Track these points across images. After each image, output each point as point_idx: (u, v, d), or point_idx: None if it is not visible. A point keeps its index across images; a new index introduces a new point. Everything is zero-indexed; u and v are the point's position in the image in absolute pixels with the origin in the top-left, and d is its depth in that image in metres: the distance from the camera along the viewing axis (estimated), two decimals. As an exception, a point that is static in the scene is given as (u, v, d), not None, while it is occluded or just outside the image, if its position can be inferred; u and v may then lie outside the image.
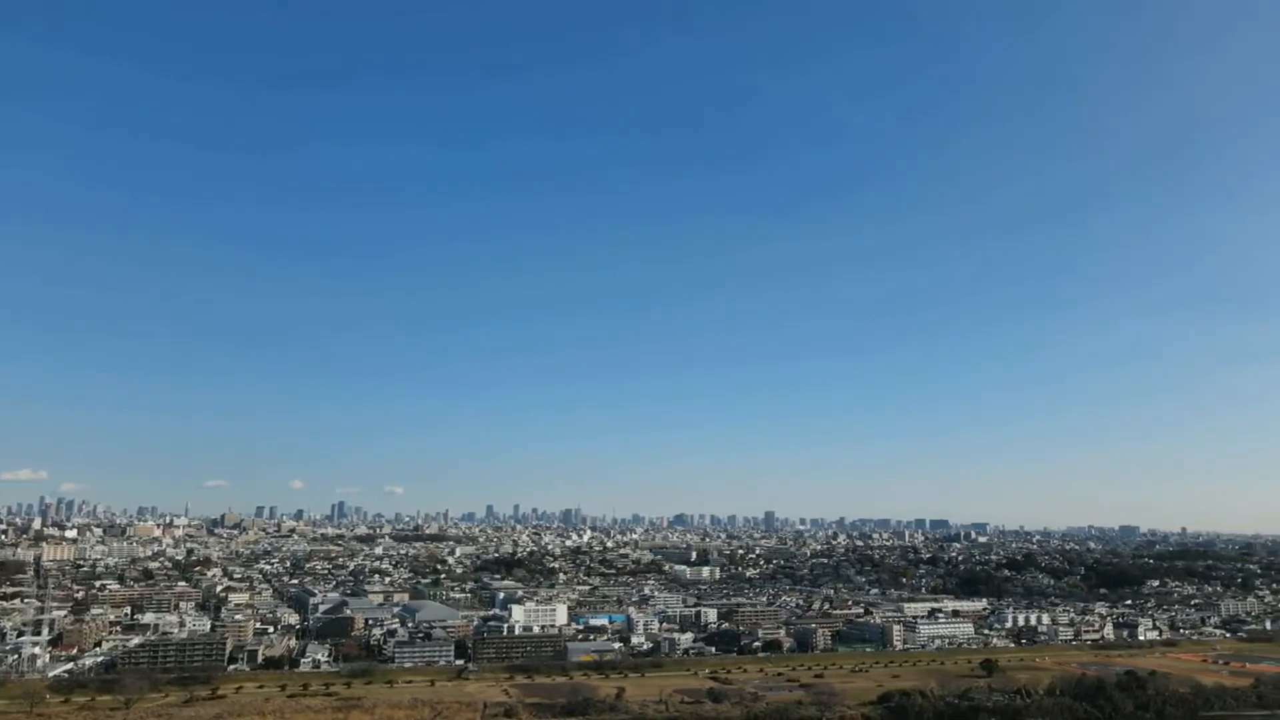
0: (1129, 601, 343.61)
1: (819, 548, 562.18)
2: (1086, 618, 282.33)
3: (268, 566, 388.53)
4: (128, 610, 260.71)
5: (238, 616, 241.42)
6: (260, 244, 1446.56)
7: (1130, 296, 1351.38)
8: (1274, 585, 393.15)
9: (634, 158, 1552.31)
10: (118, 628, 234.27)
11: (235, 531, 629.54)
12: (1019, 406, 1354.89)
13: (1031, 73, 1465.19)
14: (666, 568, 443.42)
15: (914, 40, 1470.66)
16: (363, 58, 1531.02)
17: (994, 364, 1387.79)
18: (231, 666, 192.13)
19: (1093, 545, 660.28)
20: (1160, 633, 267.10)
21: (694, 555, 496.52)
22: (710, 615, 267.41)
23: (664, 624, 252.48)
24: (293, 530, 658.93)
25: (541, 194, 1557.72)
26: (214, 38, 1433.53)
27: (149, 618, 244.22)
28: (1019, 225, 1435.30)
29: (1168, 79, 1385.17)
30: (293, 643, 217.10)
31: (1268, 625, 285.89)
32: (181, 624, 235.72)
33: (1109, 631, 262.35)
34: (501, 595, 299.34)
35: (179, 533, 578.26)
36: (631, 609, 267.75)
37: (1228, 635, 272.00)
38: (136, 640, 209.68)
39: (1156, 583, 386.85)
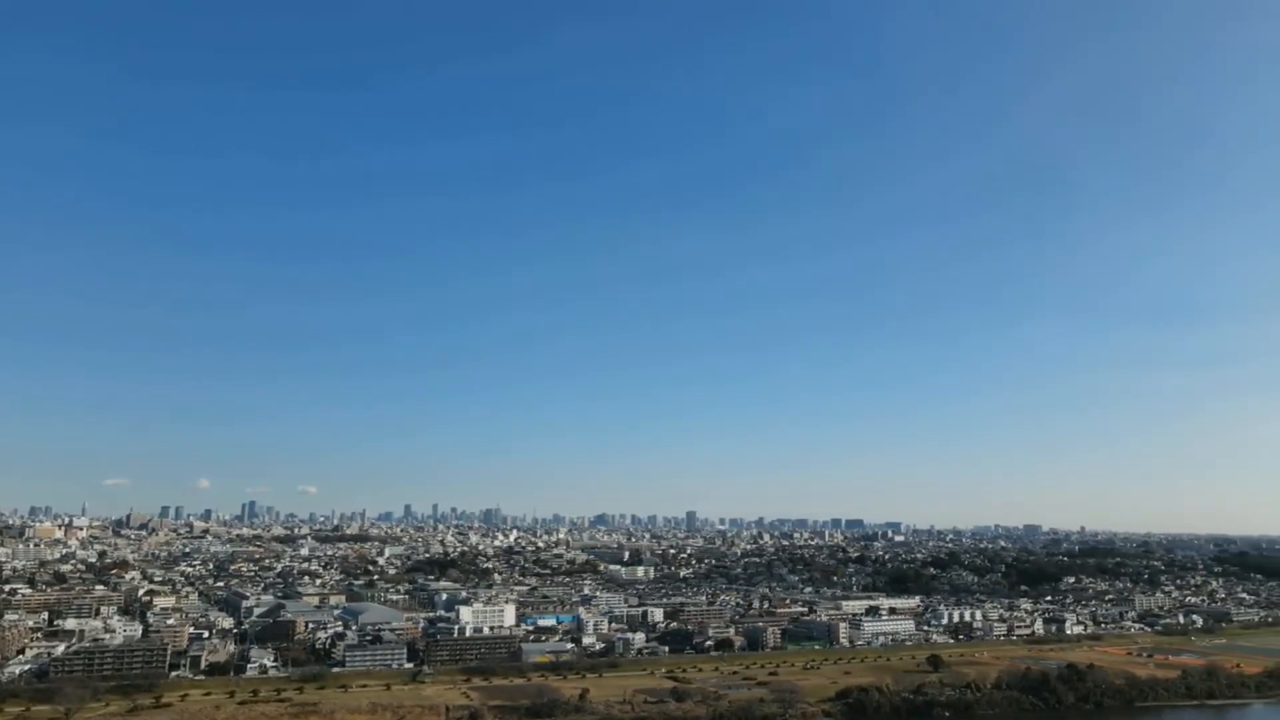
0: (1049, 598, 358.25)
1: (748, 547, 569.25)
2: (1016, 614, 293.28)
3: (189, 569, 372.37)
4: (45, 616, 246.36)
5: (169, 621, 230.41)
6: (164, 241, 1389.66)
7: (1017, 305, 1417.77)
8: (1178, 581, 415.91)
9: (536, 159, 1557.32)
10: (38, 634, 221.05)
11: (144, 532, 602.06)
12: (926, 414, 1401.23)
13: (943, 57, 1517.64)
14: (601, 568, 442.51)
15: (822, 25, 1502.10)
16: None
17: (903, 372, 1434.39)
18: (173, 673, 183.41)
19: (1004, 544, 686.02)
20: (1085, 627, 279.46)
21: (627, 555, 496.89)
22: (657, 615, 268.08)
23: (613, 624, 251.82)
24: (205, 531, 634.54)
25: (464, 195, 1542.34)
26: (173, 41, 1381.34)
27: (71, 623, 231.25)
28: (933, 220, 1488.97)
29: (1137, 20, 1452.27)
30: (232, 647, 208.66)
31: (1180, 619, 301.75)
32: (109, 629, 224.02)
33: (1039, 627, 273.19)
34: (445, 597, 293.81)
35: (82, 534, 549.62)
36: (582, 610, 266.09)
37: (1146, 629, 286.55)
38: (63, 647, 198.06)
39: (1072, 579, 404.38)
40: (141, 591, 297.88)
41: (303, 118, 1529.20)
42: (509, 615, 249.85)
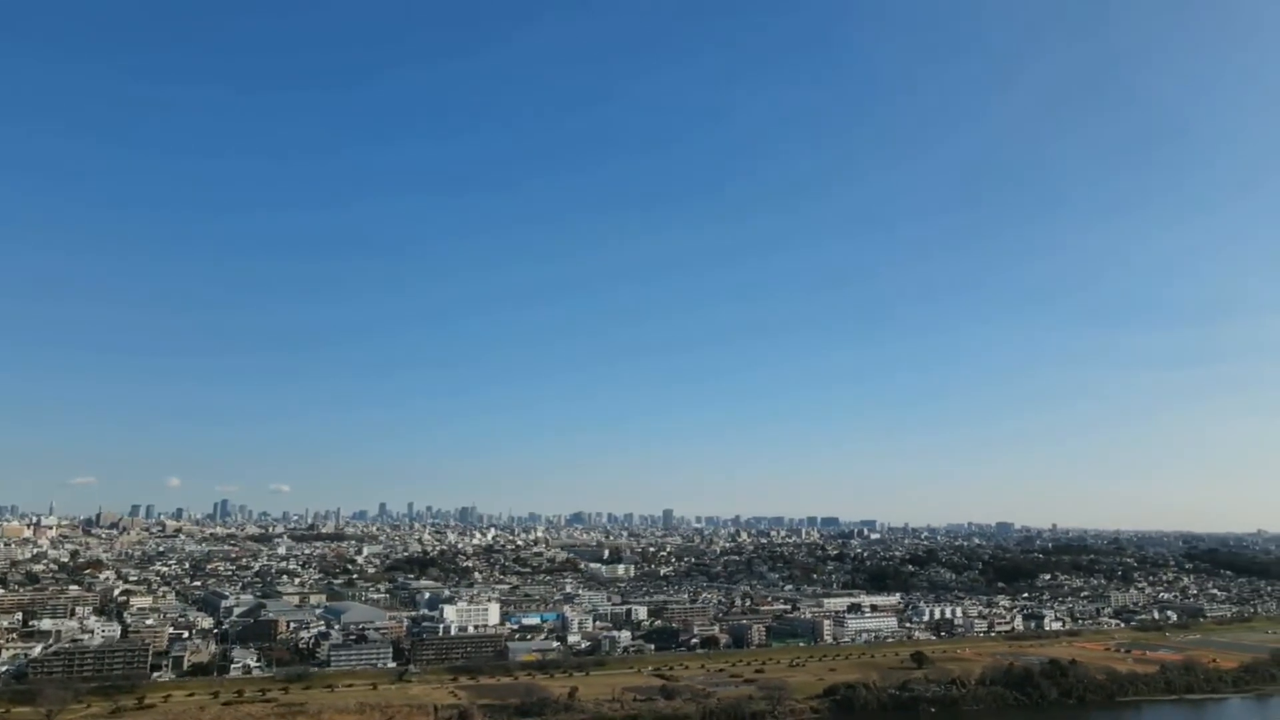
0: (1026, 594, 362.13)
1: (727, 545, 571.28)
2: (995, 610, 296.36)
3: (165, 568, 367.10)
4: (19, 616, 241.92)
5: (148, 621, 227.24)
6: (133, 240, 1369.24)
7: (987, 302, 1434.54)
8: (1150, 577, 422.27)
9: (508, 157, 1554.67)
10: (13, 635, 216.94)
11: (114, 531, 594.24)
12: (899, 412, 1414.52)
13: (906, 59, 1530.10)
14: (582, 566, 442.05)
15: (799, 19, 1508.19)
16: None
17: (876, 370, 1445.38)
18: (155, 674, 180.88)
19: (979, 541, 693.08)
20: (1063, 623, 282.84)
21: (606, 553, 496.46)
22: (641, 613, 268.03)
23: (597, 622, 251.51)
24: (178, 530, 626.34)
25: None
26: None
27: (47, 624, 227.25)
28: (907, 218, 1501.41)
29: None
30: (213, 648, 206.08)
31: (1155, 615, 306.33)
32: (86, 629, 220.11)
33: (1018, 623, 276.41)
34: (428, 595, 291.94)
35: (52, 533, 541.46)
36: (567, 608, 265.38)
37: (1122, 625, 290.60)
38: (40, 648, 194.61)
39: (1048, 576, 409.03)
40: (117, 591, 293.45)
41: (277, 117, 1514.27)
42: (493, 614, 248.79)
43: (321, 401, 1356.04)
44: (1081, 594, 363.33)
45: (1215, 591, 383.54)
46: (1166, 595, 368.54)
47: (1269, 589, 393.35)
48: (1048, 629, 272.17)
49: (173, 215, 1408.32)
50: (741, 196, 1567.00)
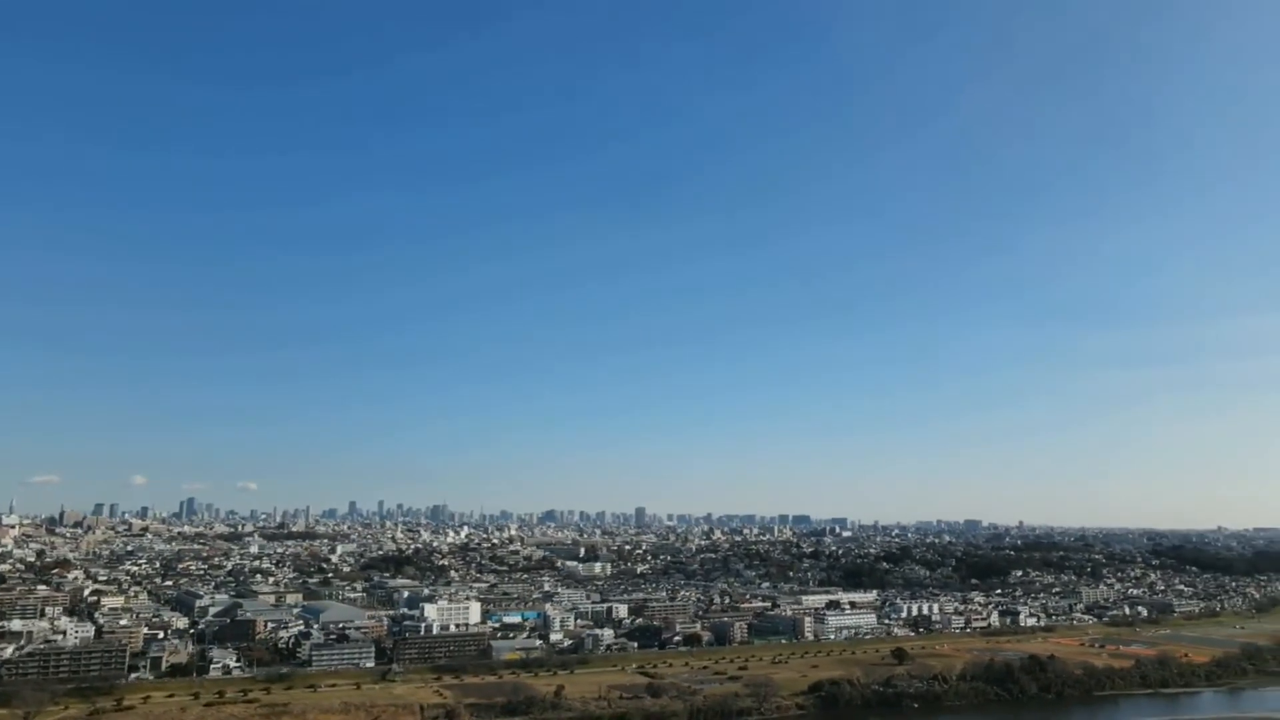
0: (999, 591, 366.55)
1: (702, 543, 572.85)
2: (971, 607, 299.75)
3: (135, 568, 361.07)
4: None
5: (122, 621, 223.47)
6: (95, 239, 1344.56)
7: (951, 300, 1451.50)
8: (1119, 574, 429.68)
9: (472, 156, 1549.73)
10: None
11: (79, 530, 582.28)
12: (866, 412, 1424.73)
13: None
14: (559, 564, 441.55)
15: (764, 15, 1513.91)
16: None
17: (843, 368, 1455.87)
18: (133, 675, 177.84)
19: (949, 539, 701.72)
20: (1038, 619, 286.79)
21: (583, 552, 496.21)
22: (621, 611, 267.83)
23: (579, 620, 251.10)
24: (145, 529, 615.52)
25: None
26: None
27: (17, 624, 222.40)
28: (872, 214, 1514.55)
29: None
30: (190, 648, 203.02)
31: (1126, 610, 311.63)
32: (57, 630, 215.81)
33: (995, 619, 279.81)
34: (406, 594, 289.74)
35: (14, 532, 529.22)
36: (548, 606, 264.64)
37: (1095, 620, 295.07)
38: (12, 649, 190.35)
39: (1020, 573, 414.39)
40: (87, 591, 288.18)
41: (242, 114, 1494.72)
42: (474, 612, 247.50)
43: (289, 400, 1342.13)
44: (1053, 590, 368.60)
45: (1182, 587, 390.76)
46: (1135, 591, 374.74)
47: (1233, 585, 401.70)
48: (1023, 625, 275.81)
49: (135, 213, 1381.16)
50: (711, 192, 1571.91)
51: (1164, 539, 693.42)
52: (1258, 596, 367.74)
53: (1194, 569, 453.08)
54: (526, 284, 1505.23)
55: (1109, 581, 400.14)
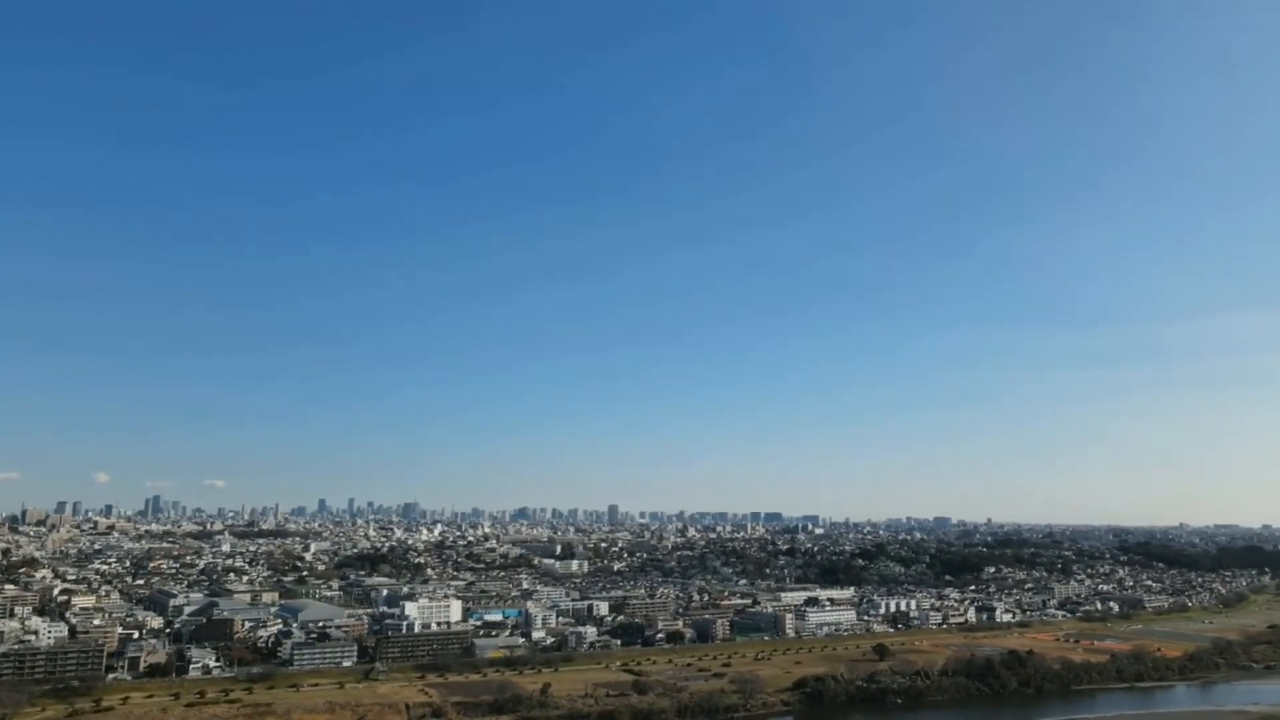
0: (973, 587, 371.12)
1: (678, 540, 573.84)
2: (948, 603, 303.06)
3: (104, 566, 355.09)
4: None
5: (95, 621, 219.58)
6: (54, 237, 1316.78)
7: (914, 299, 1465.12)
8: (1088, 570, 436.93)
9: (437, 155, 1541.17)
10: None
11: (43, 529, 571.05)
12: (838, 410, 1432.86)
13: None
14: (535, 562, 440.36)
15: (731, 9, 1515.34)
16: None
17: (811, 365, 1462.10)
18: (110, 676, 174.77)
19: (920, 535, 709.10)
20: (1013, 615, 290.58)
21: (559, 549, 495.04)
22: (602, 608, 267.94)
23: (560, 618, 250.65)
24: (111, 527, 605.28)
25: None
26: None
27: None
28: (835, 208, 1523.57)
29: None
30: (167, 648, 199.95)
31: (1098, 606, 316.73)
32: (29, 630, 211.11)
33: (971, 615, 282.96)
34: (385, 592, 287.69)
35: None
36: (530, 604, 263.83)
37: (1068, 616, 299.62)
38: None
39: (993, 569, 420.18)
40: (57, 591, 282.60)
41: (204, 113, 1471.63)
42: (455, 610, 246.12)
43: (256, 396, 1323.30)
44: (1025, 586, 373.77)
45: (1150, 583, 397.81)
46: (1105, 587, 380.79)
47: (1199, 580, 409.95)
48: (999, 620, 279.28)
49: (91, 209, 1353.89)
50: (679, 189, 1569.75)
51: (1129, 535, 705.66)
52: (1223, 592, 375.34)
53: (1160, 565, 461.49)
54: (498, 284, 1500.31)
55: (1079, 578, 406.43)
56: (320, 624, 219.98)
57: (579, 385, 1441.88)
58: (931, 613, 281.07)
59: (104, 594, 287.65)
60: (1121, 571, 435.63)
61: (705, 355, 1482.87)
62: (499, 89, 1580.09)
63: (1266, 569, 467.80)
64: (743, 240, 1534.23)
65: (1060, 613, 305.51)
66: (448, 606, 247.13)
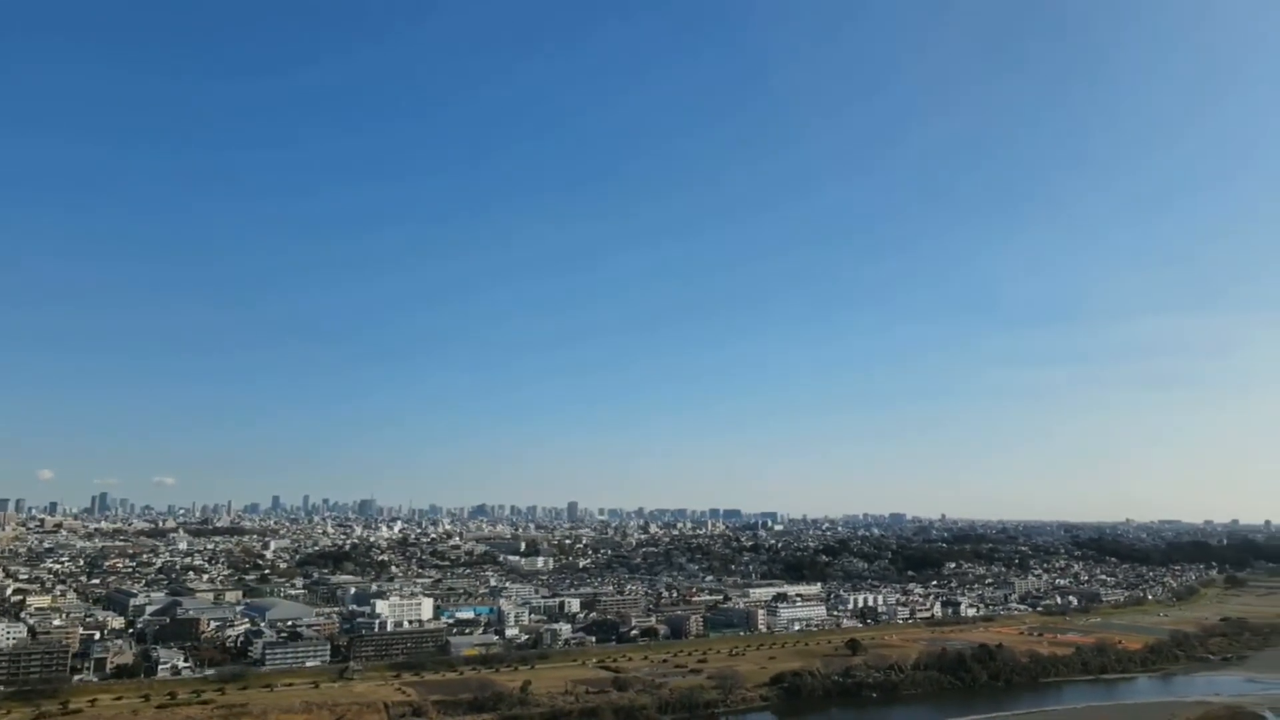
0: (935, 582, 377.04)
1: (642, 537, 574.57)
2: (913, 598, 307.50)
3: (57, 566, 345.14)
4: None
5: (55, 622, 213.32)
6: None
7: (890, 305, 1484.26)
8: (1044, 564, 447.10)
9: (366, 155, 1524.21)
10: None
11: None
12: (791, 406, 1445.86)
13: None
14: (501, 559, 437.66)
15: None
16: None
17: (770, 367, 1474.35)
18: (75, 677, 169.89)
19: (878, 532, 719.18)
20: (977, 610, 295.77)
21: (523, 546, 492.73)
22: (574, 605, 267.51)
23: (533, 615, 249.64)
24: (58, 525, 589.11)
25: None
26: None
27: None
28: (795, 200, 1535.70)
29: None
30: (133, 648, 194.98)
31: (1058, 600, 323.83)
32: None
33: (937, 610, 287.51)
34: (353, 591, 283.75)
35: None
36: (502, 601, 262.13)
37: (1030, 610, 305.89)
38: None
39: (953, 564, 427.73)
40: (9, 590, 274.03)
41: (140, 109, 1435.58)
42: (426, 609, 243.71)
43: (206, 393, 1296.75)
44: (985, 581, 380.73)
45: (1105, 577, 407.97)
46: (1062, 581, 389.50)
47: (1151, 574, 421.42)
48: (964, 615, 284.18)
49: (32, 210, 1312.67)
50: (633, 185, 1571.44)
51: (1080, 531, 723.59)
52: (1175, 585, 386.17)
53: (1113, 560, 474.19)
54: (453, 284, 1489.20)
55: (1036, 572, 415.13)
56: (289, 623, 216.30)
57: (535, 383, 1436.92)
58: (898, 608, 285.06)
59: (59, 594, 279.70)
60: (1076, 566, 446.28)
61: (662, 352, 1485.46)
62: (452, 87, 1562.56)
63: (1213, 563, 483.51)
64: (692, 237, 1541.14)
65: (1022, 607, 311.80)
66: (419, 604, 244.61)
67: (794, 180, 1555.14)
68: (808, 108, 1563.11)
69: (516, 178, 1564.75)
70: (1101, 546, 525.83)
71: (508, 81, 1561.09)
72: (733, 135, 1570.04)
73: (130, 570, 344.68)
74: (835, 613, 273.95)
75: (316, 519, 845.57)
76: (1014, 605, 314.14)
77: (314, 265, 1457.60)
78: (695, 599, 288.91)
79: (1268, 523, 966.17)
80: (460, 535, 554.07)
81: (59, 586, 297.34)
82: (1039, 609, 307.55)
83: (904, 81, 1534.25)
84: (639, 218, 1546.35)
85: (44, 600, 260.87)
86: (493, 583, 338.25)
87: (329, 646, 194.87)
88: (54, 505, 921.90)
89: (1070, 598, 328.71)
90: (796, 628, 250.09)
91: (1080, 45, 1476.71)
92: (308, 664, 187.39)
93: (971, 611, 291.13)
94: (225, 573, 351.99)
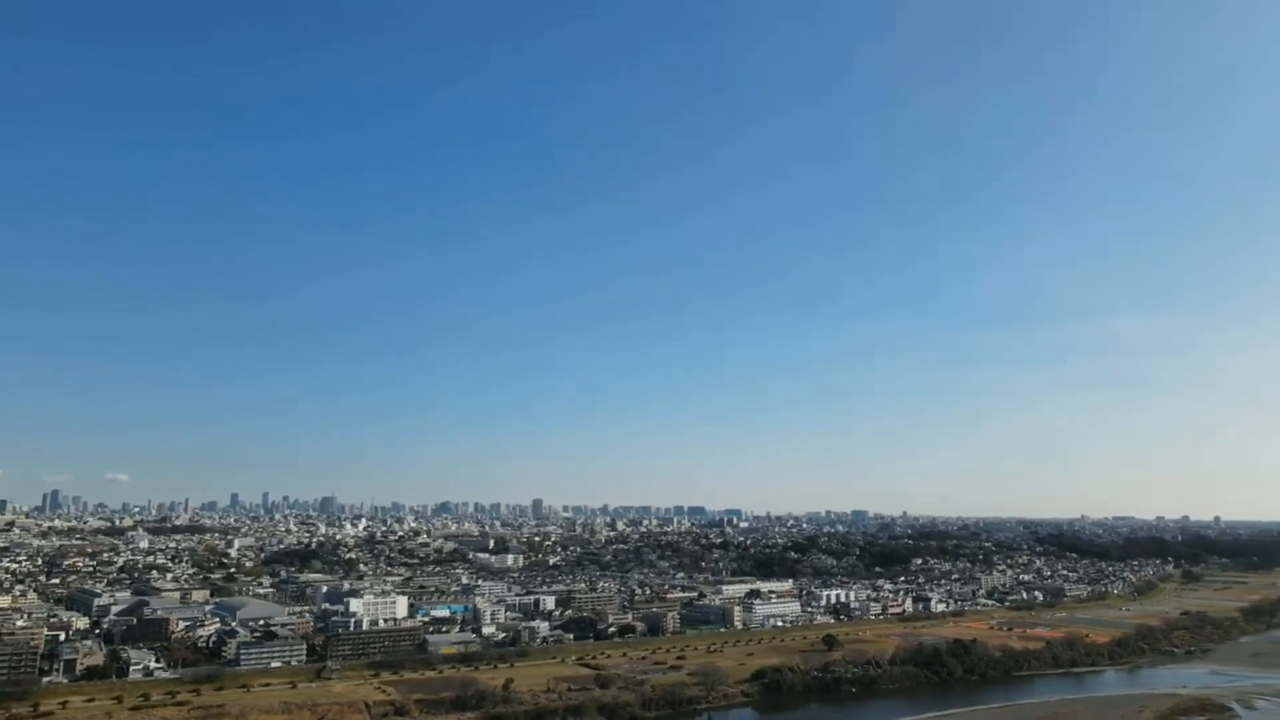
0: (903, 578, 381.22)
1: (611, 534, 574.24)
2: (884, 594, 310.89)
3: (14, 565, 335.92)
4: None
5: (19, 622, 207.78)
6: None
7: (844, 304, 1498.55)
8: (1008, 560, 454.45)
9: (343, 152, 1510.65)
10: None
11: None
12: (755, 405, 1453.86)
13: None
14: (471, 556, 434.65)
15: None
16: None
17: (733, 365, 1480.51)
18: (44, 679, 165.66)
19: (842, 528, 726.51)
20: (947, 605, 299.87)
21: (492, 544, 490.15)
22: (549, 603, 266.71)
23: (509, 613, 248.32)
24: (10, 524, 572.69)
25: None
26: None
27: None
28: (759, 185, 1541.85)
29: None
30: (102, 649, 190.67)
31: (1024, 595, 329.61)
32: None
33: (909, 606, 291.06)
34: (324, 589, 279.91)
35: None
36: (478, 599, 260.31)
37: (997, 605, 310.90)
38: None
39: (920, 561, 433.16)
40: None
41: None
42: (401, 607, 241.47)
43: (160, 388, 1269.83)
44: (952, 577, 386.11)
45: (1067, 573, 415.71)
46: (1026, 577, 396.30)
47: (1110, 570, 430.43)
48: (935, 610, 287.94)
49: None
50: (596, 180, 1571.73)
51: (1039, 527, 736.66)
52: (1134, 580, 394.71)
53: (1074, 555, 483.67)
54: (411, 282, 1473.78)
55: (1000, 568, 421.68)
56: (262, 622, 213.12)
57: (498, 381, 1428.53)
58: (870, 604, 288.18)
59: (19, 594, 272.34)
60: (1039, 562, 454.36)
61: (628, 347, 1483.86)
62: (415, 85, 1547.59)
63: (1169, 559, 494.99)
64: (651, 233, 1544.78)
65: (990, 602, 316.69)
66: (393, 603, 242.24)
67: (748, 176, 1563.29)
68: (764, 105, 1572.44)
69: (469, 177, 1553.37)
70: (1062, 543, 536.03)
71: (473, 78, 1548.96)
72: (689, 129, 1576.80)
73: (91, 570, 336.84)
74: (809, 609, 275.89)
75: (278, 516, 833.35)
76: (981, 600, 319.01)
77: (269, 264, 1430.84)
78: (669, 596, 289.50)
79: (1218, 519, 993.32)
80: (428, 533, 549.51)
81: (18, 586, 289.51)
82: (1006, 604, 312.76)
83: (857, 79, 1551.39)
84: (598, 215, 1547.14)
85: (4, 600, 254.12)
86: (464, 580, 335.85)
87: (305, 646, 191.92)
88: (3, 503, 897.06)
89: (1036, 593, 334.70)
90: (772, 624, 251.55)
91: (1032, 45, 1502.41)
92: (283, 664, 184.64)
93: (941, 607, 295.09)
94: (190, 571, 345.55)
